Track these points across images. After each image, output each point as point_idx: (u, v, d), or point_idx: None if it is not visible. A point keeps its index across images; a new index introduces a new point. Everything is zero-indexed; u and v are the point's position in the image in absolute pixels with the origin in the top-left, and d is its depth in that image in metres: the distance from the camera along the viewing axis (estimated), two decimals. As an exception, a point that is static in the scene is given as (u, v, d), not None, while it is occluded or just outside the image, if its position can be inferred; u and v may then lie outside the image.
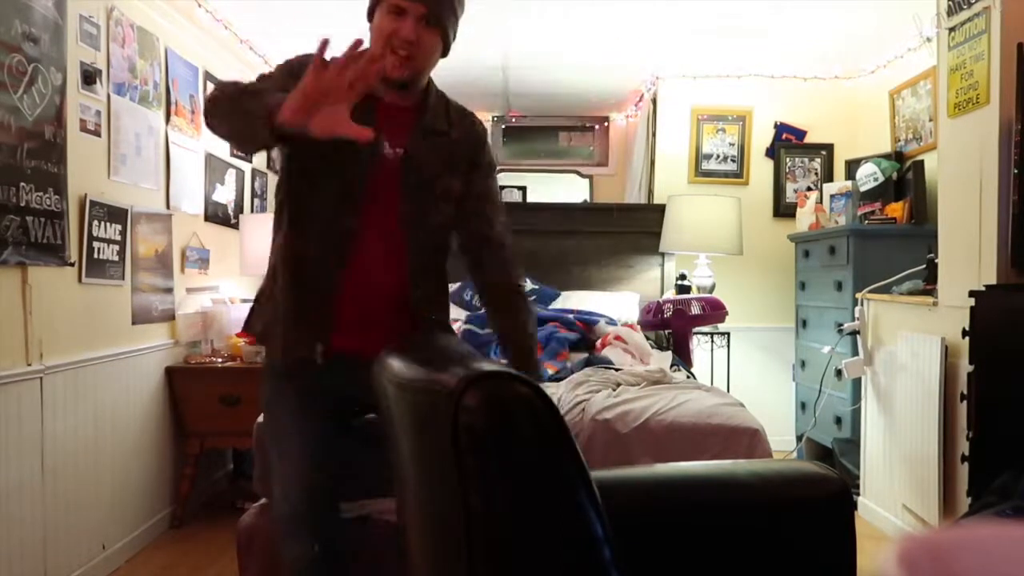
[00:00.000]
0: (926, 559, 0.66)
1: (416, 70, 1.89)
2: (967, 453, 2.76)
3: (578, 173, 6.11)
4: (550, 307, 4.21)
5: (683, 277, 4.56)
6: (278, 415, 1.99)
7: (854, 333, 3.83)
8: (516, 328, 2.08)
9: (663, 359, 3.61)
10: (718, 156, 5.18)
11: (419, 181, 1.94)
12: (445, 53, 1.96)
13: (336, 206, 1.90)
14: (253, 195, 4.66)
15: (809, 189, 5.01)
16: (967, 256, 2.91)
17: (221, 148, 4.19)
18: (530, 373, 2.01)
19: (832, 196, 4.55)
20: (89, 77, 2.92)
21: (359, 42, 1.60)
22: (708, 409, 2.61)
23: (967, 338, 2.77)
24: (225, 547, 3.17)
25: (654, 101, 5.24)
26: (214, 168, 4.07)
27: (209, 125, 1.83)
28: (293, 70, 1.81)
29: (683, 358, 4.05)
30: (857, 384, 3.90)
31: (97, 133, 2.99)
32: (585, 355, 3.39)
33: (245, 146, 2.12)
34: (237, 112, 1.72)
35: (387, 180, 1.92)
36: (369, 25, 1.91)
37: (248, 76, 4.50)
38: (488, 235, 2.07)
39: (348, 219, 1.90)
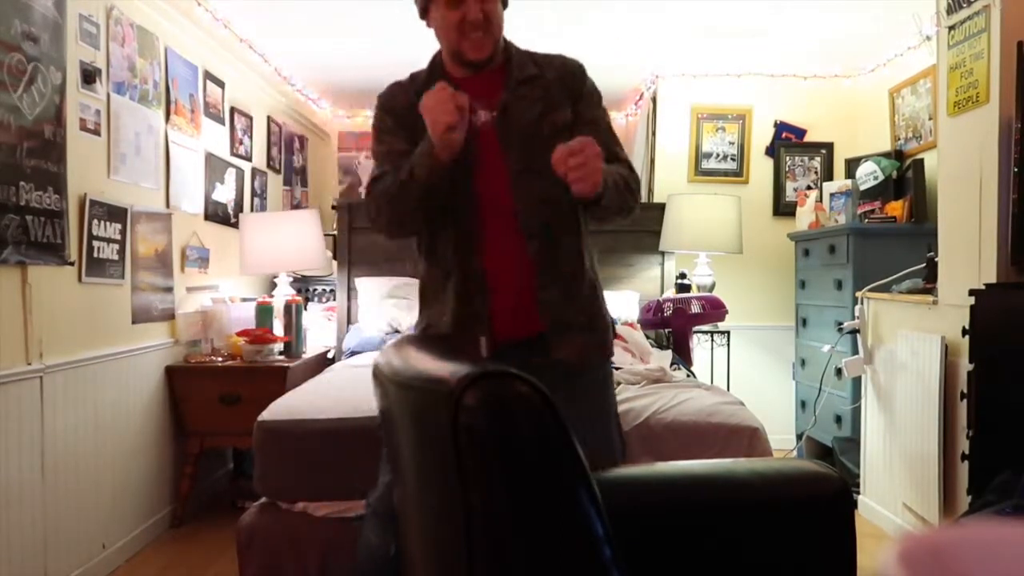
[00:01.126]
0: (926, 558, 0.66)
1: (495, 42, 1.91)
2: (967, 451, 2.76)
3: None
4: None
5: (683, 276, 4.56)
6: None
7: (854, 332, 3.83)
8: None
9: (663, 358, 3.61)
10: (718, 155, 5.18)
11: (519, 130, 1.91)
12: (505, 5, 1.96)
13: (453, 190, 1.88)
14: (253, 194, 4.66)
15: (809, 188, 5.01)
16: (967, 255, 2.91)
17: (221, 147, 4.19)
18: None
19: (832, 195, 4.55)
20: (89, 76, 2.91)
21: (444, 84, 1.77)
22: (708, 408, 2.62)
23: (967, 337, 2.77)
24: (225, 546, 3.17)
25: (654, 100, 5.24)
26: (214, 167, 4.07)
27: (387, 234, 1.97)
28: (391, 108, 1.95)
29: (683, 357, 4.06)
30: (857, 383, 3.90)
31: (97, 132, 2.99)
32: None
33: (414, 221, 1.96)
34: (394, 210, 1.88)
35: (489, 143, 1.90)
36: (426, 23, 1.93)
37: (246, 75, 4.51)
38: (607, 155, 1.89)
39: (463, 197, 1.89)
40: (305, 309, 4.20)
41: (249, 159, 4.58)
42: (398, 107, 1.96)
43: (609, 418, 2.07)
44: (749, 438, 2.51)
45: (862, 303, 3.75)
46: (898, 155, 4.31)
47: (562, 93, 1.97)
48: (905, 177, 4.16)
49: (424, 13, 1.92)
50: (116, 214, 3.09)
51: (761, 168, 5.19)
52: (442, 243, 1.95)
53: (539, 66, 1.99)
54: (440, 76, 1.93)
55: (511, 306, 1.92)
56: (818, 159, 5.17)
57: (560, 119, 1.94)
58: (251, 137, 4.62)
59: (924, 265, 3.37)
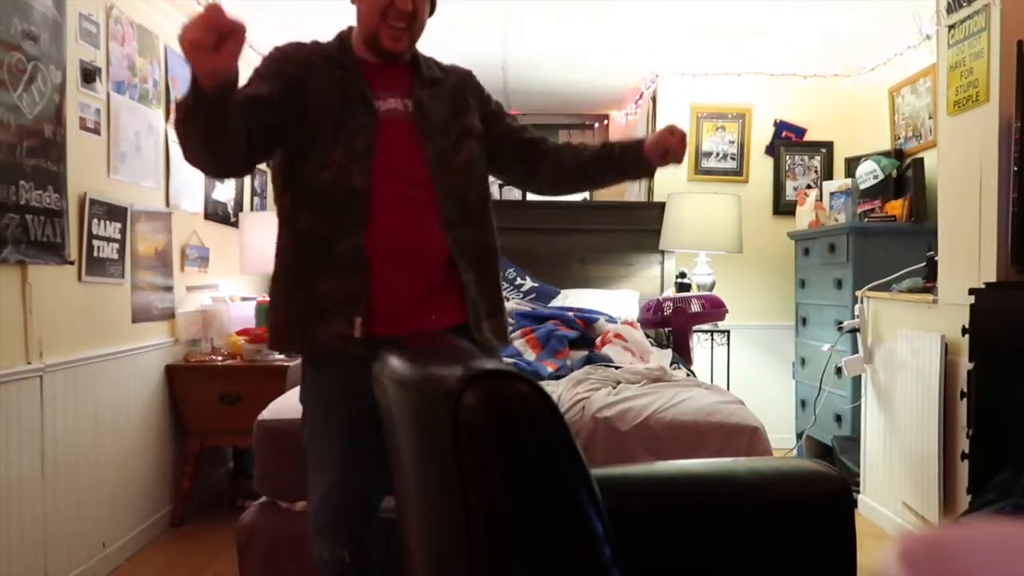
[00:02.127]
0: (926, 557, 0.66)
1: (414, 39, 1.90)
2: (967, 451, 2.76)
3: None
4: (550, 305, 4.22)
5: (683, 275, 4.56)
6: (313, 414, 1.91)
7: (854, 331, 3.83)
8: (586, 146, 2.18)
9: (663, 357, 3.62)
10: (718, 154, 5.18)
11: (436, 124, 1.91)
12: (432, 11, 1.95)
13: (344, 169, 1.81)
14: (253, 193, 4.66)
15: (809, 187, 5.01)
16: (967, 254, 2.91)
17: (221, 146, 4.19)
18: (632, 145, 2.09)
19: (832, 194, 4.55)
20: (89, 75, 2.91)
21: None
22: (708, 407, 2.61)
23: (967, 336, 2.77)
24: (225, 546, 3.17)
25: (654, 99, 5.24)
26: (214, 166, 4.06)
27: (189, 159, 1.74)
28: (281, 59, 1.89)
29: (683, 356, 4.06)
30: (857, 382, 3.90)
31: (97, 131, 2.99)
32: (585, 353, 3.39)
33: (218, 152, 1.72)
34: (191, 129, 1.65)
35: (399, 131, 1.87)
36: (355, 3, 1.90)
37: (246, 74, 4.51)
38: (537, 138, 2.14)
39: (358, 179, 1.81)
40: (305, 308, 4.20)
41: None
42: (288, 60, 1.87)
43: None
44: (749, 437, 2.51)
45: (862, 302, 3.75)
46: (898, 154, 4.31)
47: (467, 99, 2.01)
48: (905, 176, 4.16)
49: None
50: (116, 213, 3.09)
51: (761, 167, 5.19)
52: (311, 220, 1.85)
53: (443, 71, 2.02)
54: (350, 54, 1.92)
55: (407, 293, 1.85)
56: (818, 158, 5.17)
57: (470, 124, 1.98)
58: (251, 136, 4.62)
59: (924, 264, 3.37)
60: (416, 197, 1.87)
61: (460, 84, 2.03)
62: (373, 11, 1.83)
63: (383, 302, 1.83)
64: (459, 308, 1.90)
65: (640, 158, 2.06)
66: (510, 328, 2.37)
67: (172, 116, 1.87)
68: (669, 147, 2.01)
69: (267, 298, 4.09)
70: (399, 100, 1.90)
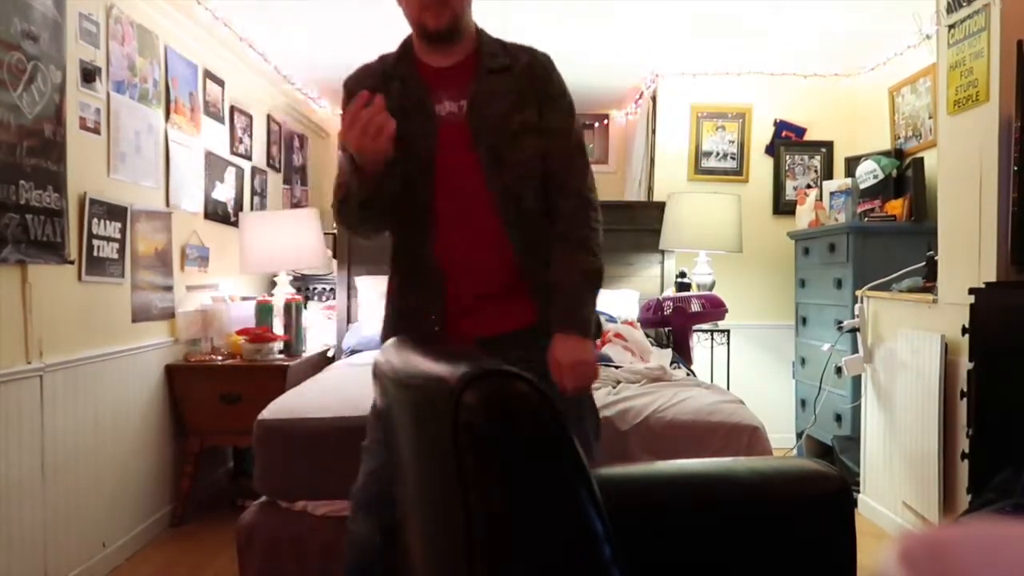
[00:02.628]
0: (926, 556, 0.66)
1: (455, 13, 1.84)
2: (967, 450, 2.77)
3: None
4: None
5: (683, 275, 4.56)
6: (373, 402, 1.95)
7: (854, 330, 3.83)
8: (565, 272, 1.89)
9: (663, 357, 3.62)
10: (718, 154, 5.18)
11: (490, 122, 1.87)
12: None
13: (410, 183, 1.85)
14: (253, 193, 4.66)
15: (809, 186, 5.00)
16: (967, 253, 2.91)
17: (221, 146, 4.19)
18: (574, 322, 1.85)
19: (832, 193, 4.55)
20: (89, 75, 2.91)
21: (365, 96, 1.67)
22: (708, 406, 2.62)
23: (967, 335, 2.77)
24: (225, 545, 3.17)
25: (654, 98, 5.23)
26: (213, 166, 4.06)
27: (349, 228, 1.98)
28: (352, 91, 1.87)
29: (683, 356, 4.06)
30: (857, 381, 3.90)
31: (97, 131, 2.99)
32: (585, 353, 3.38)
33: (379, 221, 1.93)
34: (351, 220, 1.90)
35: (455, 135, 1.86)
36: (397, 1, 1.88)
37: (246, 74, 4.51)
38: (562, 180, 1.92)
39: (420, 192, 1.85)
40: (305, 308, 4.20)
41: (249, 158, 4.58)
42: (363, 89, 1.88)
43: (583, 406, 1.99)
44: (749, 437, 2.51)
45: (862, 302, 3.75)
46: (898, 154, 4.31)
47: (530, 90, 1.92)
48: (905, 176, 4.16)
49: None
50: (116, 213, 3.09)
51: (761, 167, 5.19)
52: (400, 238, 1.95)
53: (510, 55, 1.94)
54: (411, 61, 1.90)
55: (479, 297, 1.89)
56: (818, 158, 5.17)
57: (529, 118, 1.90)
58: (251, 136, 4.62)
59: (924, 264, 3.37)
60: (474, 202, 1.87)
61: (528, 71, 1.92)
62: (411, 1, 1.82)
63: (456, 311, 1.89)
64: (529, 310, 1.90)
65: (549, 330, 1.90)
66: None
67: (334, 199, 1.94)
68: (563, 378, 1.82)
69: (267, 298, 4.10)
70: (455, 103, 1.87)
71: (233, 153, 4.35)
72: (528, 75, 1.92)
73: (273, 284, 4.48)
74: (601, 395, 2.70)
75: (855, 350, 3.83)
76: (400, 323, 1.93)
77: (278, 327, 3.97)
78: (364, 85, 1.88)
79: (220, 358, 3.73)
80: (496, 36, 1.98)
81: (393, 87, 1.86)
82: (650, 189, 5.23)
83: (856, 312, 3.79)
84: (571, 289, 1.88)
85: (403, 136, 1.82)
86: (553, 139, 1.91)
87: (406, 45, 1.95)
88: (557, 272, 1.89)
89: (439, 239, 1.88)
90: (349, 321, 4.49)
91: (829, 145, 5.16)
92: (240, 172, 4.44)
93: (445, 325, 1.87)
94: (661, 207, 4.72)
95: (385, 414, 1.41)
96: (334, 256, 4.74)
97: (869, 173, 4.23)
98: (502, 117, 1.87)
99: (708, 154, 5.18)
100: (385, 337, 1.95)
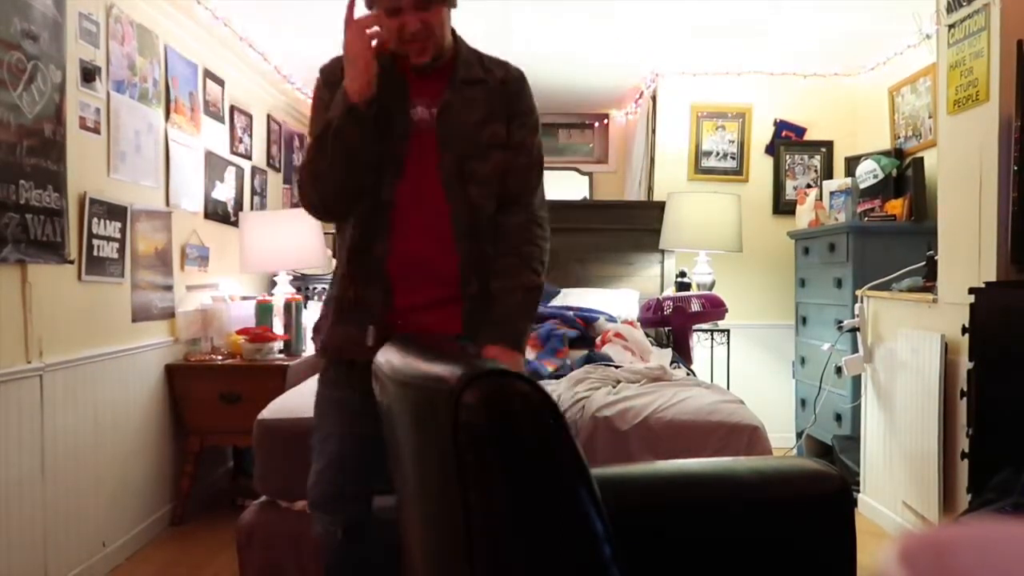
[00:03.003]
0: (926, 556, 0.66)
1: (438, 47, 1.87)
2: (967, 450, 2.77)
3: (578, 170, 6.11)
4: (549, 304, 4.21)
5: (683, 274, 4.56)
6: (324, 395, 1.99)
7: (854, 330, 3.83)
8: (507, 287, 1.91)
9: (663, 356, 3.62)
10: (718, 153, 5.18)
11: (459, 132, 1.89)
12: (454, 3, 1.91)
13: (377, 181, 1.88)
14: (253, 192, 4.66)
15: (809, 186, 5.00)
16: (967, 253, 2.91)
17: (221, 146, 4.19)
18: (510, 334, 1.89)
19: (832, 193, 4.55)
20: (88, 75, 2.91)
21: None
22: (708, 406, 2.61)
23: (967, 335, 2.77)
24: (225, 545, 3.17)
25: (654, 98, 5.23)
26: (213, 166, 4.06)
27: (309, 201, 1.93)
28: (334, 83, 1.88)
29: (683, 355, 4.06)
30: (857, 381, 3.90)
31: (96, 131, 2.99)
32: (585, 352, 3.39)
33: (350, 179, 1.87)
34: (314, 173, 1.85)
35: (425, 141, 1.89)
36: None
37: (246, 73, 4.51)
38: (516, 194, 1.95)
39: (385, 191, 1.88)
40: (305, 307, 4.20)
41: (249, 157, 4.58)
42: (340, 81, 1.90)
43: None
44: (749, 436, 2.51)
45: (862, 301, 3.76)
46: (898, 153, 4.31)
47: (501, 105, 1.95)
48: (905, 175, 4.16)
49: (367, 9, 1.89)
50: (116, 212, 3.09)
51: (761, 166, 5.19)
52: (353, 229, 1.93)
53: (485, 69, 1.97)
54: (391, 56, 1.91)
55: (419, 304, 1.91)
56: (818, 157, 5.17)
57: (498, 131, 1.93)
58: (251, 135, 4.62)
59: (924, 263, 3.37)
60: (432, 209, 1.89)
61: (501, 87, 1.96)
62: (390, 35, 1.84)
63: (399, 312, 1.90)
64: (456, 319, 1.92)
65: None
66: None
67: (305, 150, 1.94)
68: None
69: (267, 297, 4.10)
70: (427, 109, 1.90)
71: (233, 153, 4.35)
72: (500, 90, 1.96)
73: (273, 284, 4.48)
74: (601, 395, 2.70)
75: (855, 350, 3.83)
76: (339, 310, 1.95)
77: (278, 327, 3.96)
78: (339, 76, 1.89)
79: (220, 358, 3.73)
80: (474, 47, 2.02)
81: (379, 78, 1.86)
82: (650, 189, 5.23)
83: (856, 312, 3.79)
84: (512, 305, 1.91)
85: (382, 135, 1.84)
86: (517, 154, 1.96)
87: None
88: (499, 286, 1.92)
89: (392, 243, 1.89)
90: (349, 321, 4.48)
91: (829, 145, 5.16)
92: (240, 172, 4.44)
93: (385, 325, 1.88)
94: (661, 207, 4.72)
95: (385, 413, 1.41)
96: (334, 256, 4.73)
97: (869, 173, 4.23)
98: (471, 128, 1.91)
99: (708, 154, 5.18)
100: (324, 349, 2.00)
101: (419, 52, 1.85)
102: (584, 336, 3.60)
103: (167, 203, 3.57)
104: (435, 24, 1.84)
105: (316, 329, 2.05)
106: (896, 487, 3.41)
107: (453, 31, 1.95)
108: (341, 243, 1.99)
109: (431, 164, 1.89)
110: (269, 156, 4.96)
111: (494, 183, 1.93)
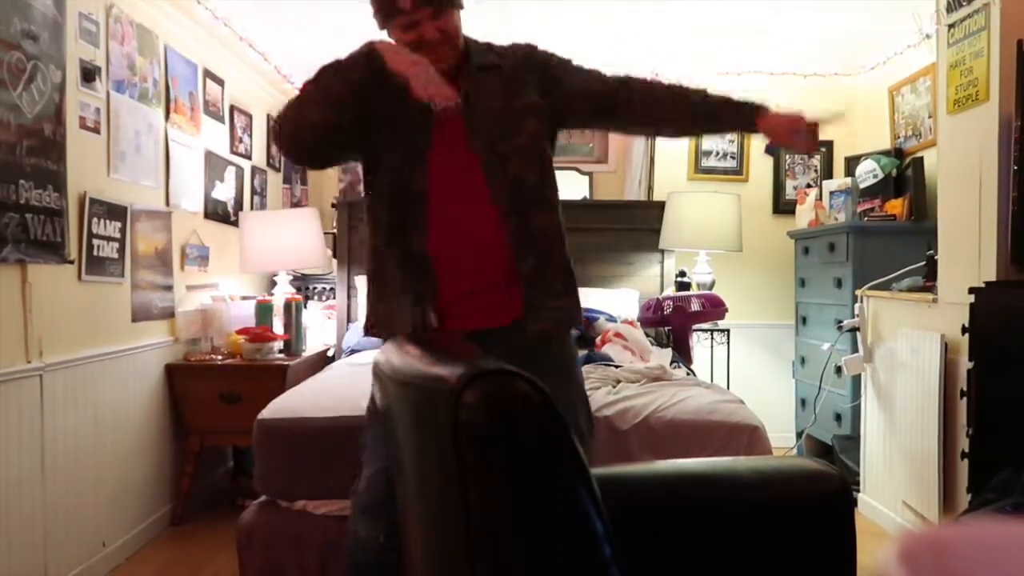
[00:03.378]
0: (926, 556, 0.66)
1: (456, 49, 1.92)
2: (967, 449, 2.77)
3: (578, 170, 6.09)
4: (550, 304, 4.21)
5: (683, 274, 4.56)
6: (372, 401, 1.97)
7: (854, 330, 3.83)
8: (681, 94, 2.08)
9: (663, 356, 3.62)
10: (718, 153, 5.18)
11: (487, 114, 1.92)
12: (462, 4, 1.94)
13: (404, 172, 1.89)
14: (253, 192, 4.66)
15: (809, 186, 5.01)
16: (967, 253, 2.91)
17: (221, 145, 4.19)
18: (750, 105, 1.99)
19: (832, 193, 4.55)
20: (88, 75, 2.91)
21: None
22: (708, 406, 2.62)
23: (967, 335, 2.77)
24: (225, 544, 3.17)
25: (654, 98, 5.22)
26: (214, 165, 4.06)
27: (288, 145, 1.93)
28: (372, 60, 1.87)
29: (683, 355, 4.06)
30: (857, 381, 3.90)
31: (96, 131, 2.99)
32: (585, 352, 3.39)
33: (323, 129, 1.90)
34: (302, 107, 1.86)
35: (450, 130, 1.90)
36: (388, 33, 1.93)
37: (246, 73, 4.50)
38: (607, 89, 2.05)
39: (417, 181, 1.89)
40: (305, 307, 4.20)
41: (249, 157, 4.58)
42: (371, 59, 1.90)
43: (574, 399, 2.02)
44: (749, 436, 2.51)
45: (862, 301, 3.75)
46: (898, 153, 4.31)
47: (528, 76, 1.98)
48: (905, 175, 4.16)
49: (382, 29, 1.92)
50: (116, 212, 3.09)
51: (761, 166, 5.19)
52: (387, 216, 1.93)
53: (498, 55, 2.00)
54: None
55: (467, 291, 1.91)
56: (818, 157, 5.17)
57: (527, 103, 1.96)
58: (251, 135, 4.62)
59: (924, 263, 3.37)
60: (471, 193, 1.89)
61: (519, 63, 2.00)
62: (408, 47, 1.85)
63: (450, 300, 1.90)
64: (517, 302, 1.92)
65: (750, 129, 2.04)
66: None
67: (291, 106, 1.92)
68: (790, 144, 2.00)
69: (267, 297, 4.10)
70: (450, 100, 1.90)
71: (233, 152, 4.35)
72: (522, 64, 1.99)
73: (273, 284, 4.48)
74: (601, 395, 2.70)
75: (855, 349, 3.83)
76: (390, 299, 1.93)
77: (278, 327, 3.96)
78: (375, 57, 1.90)
79: (220, 358, 3.73)
80: (485, 40, 2.04)
81: (389, 79, 1.85)
82: (650, 188, 5.23)
83: (856, 311, 3.79)
84: (715, 98, 2.03)
85: (401, 126, 1.86)
86: (573, 73, 2.03)
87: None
88: (675, 98, 2.07)
89: (432, 231, 1.89)
90: (349, 321, 4.49)
91: (829, 144, 5.16)
92: (240, 171, 4.44)
93: (437, 319, 1.89)
94: (661, 206, 4.72)
95: (385, 413, 1.41)
96: (334, 256, 4.74)
97: (869, 172, 4.23)
98: (497, 110, 1.93)
99: (708, 153, 5.18)
100: (371, 327, 1.99)
101: (439, 58, 1.86)
102: (584, 336, 3.60)
103: (167, 203, 3.57)
104: (450, 30, 1.88)
105: (368, 318, 2.02)
106: (896, 487, 3.41)
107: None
108: (374, 229, 1.97)
109: (461, 151, 1.90)
110: (269, 156, 4.96)
111: (534, 153, 1.95)
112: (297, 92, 1.90)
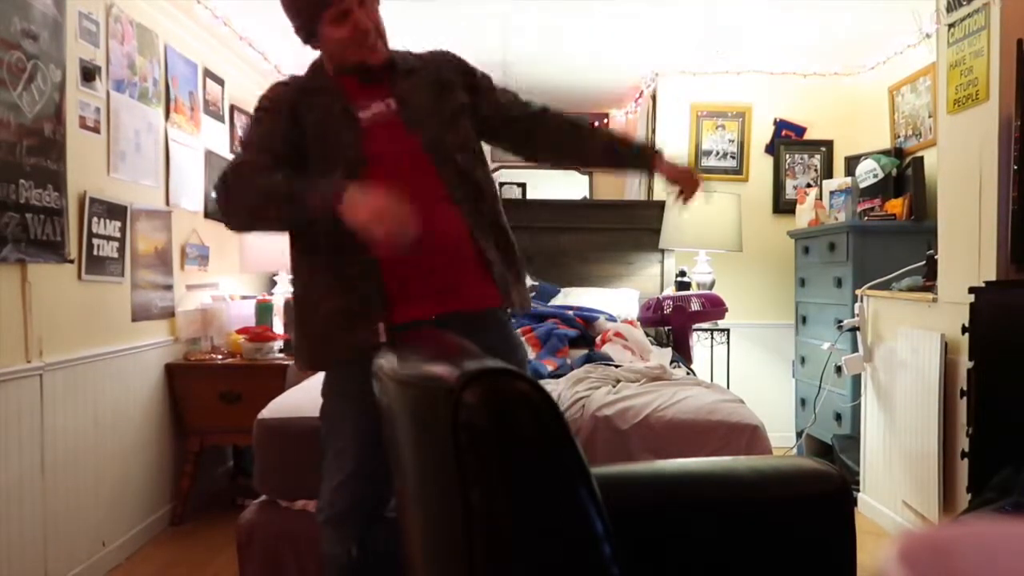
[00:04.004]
0: (926, 555, 0.66)
1: (387, 43, 1.94)
2: (967, 449, 2.77)
3: (578, 170, 6.10)
4: (550, 304, 4.21)
5: (683, 274, 4.56)
6: (331, 409, 1.95)
7: (854, 329, 3.83)
8: (590, 131, 2.21)
9: (663, 356, 3.62)
10: (718, 153, 5.18)
11: (423, 113, 1.92)
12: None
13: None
14: (252, 192, 4.65)
15: (809, 186, 5.00)
16: (967, 252, 2.91)
17: (221, 145, 4.19)
18: (633, 148, 2.20)
19: (832, 192, 4.55)
20: (88, 74, 2.91)
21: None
22: (708, 405, 2.61)
23: (967, 334, 2.77)
24: (225, 544, 3.17)
25: (653, 97, 5.23)
26: (213, 165, 4.06)
27: (226, 214, 2.03)
28: (275, 99, 1.93)
29: (683, 355, 4.06)
30: (857, 380, 3.90)
31: (96, 130, 2.99)
32: (585, 352, 3.39)
33: (269, 226, 2.16)
34: (255, 197, 1.92)
35: (389, 133, 1.89)
36: (313, 47, 1.95)
37: (246, 73, 4.50)
38: (523, 114, 2.10)
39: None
40: (305, 307, 4.20)
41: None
42: (280, 101, 1.93)
43: (522, 360, 2.09)
44: (749, 436, 2.51)
45: (862, 301, 3.75)
46: (898, 153, 4.31)
47: (453, 78, 2.01)
48: (905, 175, 4.16)
49: (309, 38, 1.93)
50: (116, 212, 3.09)
51: (761, 166, 5.19)
52: (322, 241, 1.87)
53: (420, 59, 2.03)
54: (323, 80, 1.95)
55: (424, 280, 1.86)
56: (818, 157, 5.17)
57: (457, 101, 1.98)
58: (251, 135, 4.62)
59: (924, 263, 3.37)
60: (423, 189, 1.86)
61: (438, 66, 2.03)
62: (344, 46, 1.87)
63: (396, 288, 1.84)
64: (491, 289, 1.92)
65: (647, 169, 2.24)
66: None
67: (242, 148, 1.97)
68: (682, 188, 2.24)
69: (267, 297, 4.10)
70: (381, 102, 1.92)
71: (233, 152, 4.35)
72: (438, 67, 2.02)
73: (273, 283, 4.48)
74: (601, 394, 2.70)
75: (855, 349, 3.83)
76: (332, 323, 1.86)
77: (278, 326, 3.96)
78: (280, 96, 1.94)
79: (220, 357, 3.73)
80: (445, 47, 2.11)
81: (316, 99, 1.90)
82: (650, 188, 5.23)
83: (856, 311, 3.79)
84: (609, 133, 2.28)
85: (332, 144, 1.86)
86: (493, 92, 2.08)
87: (316, 67, 2.00)
88: (581, 134, 2.18)
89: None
90: (349, 320, 4.48)
91: (829, 144, 5.16)
92: (240, 171, 4.43)
93: (389, 314, 1.82)
94: (661, 206, 4.72)
95: (385, 413, 1.41)
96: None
97: (869, 172, 4.23)
98: (430, 109, 1.94)
99: (708, 153, 5.18)
100: (320, 338, 1.91)
101: (374, 51, 1.89)
102: (584, 335, 3.60)
103: (167, 202, 3.57)
104: (378, 19, 1.91)
105: (302, 353, 1.97)
106: (896, 486, 3.41)
107: None
108: (301, 258, 1.96)
109: (407, 148, 1.89)
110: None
111: (471, 147, 1.99)
112: (239, 162, 1.95)
